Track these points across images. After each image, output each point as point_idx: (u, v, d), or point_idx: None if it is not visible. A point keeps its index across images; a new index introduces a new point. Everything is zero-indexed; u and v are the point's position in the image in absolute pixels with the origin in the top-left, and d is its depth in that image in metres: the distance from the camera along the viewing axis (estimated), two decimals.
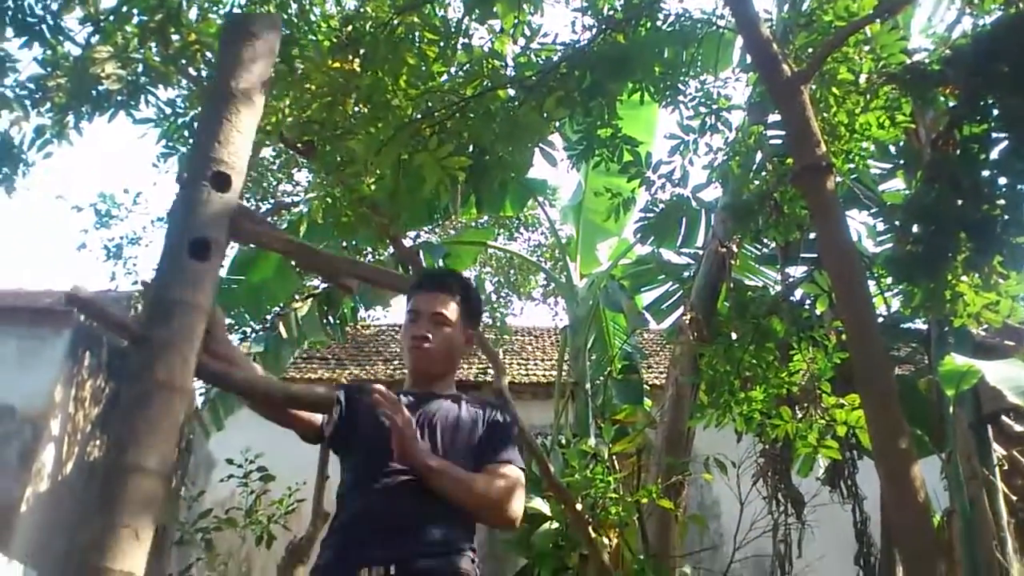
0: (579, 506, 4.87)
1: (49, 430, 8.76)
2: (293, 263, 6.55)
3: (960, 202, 3.72)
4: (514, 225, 11.27)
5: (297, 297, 7.74)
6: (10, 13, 4.51)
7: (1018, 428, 5.60)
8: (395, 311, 12.02)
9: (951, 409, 5.32)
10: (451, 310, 2.23)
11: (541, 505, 5.75)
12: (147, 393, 1.45)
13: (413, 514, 2.00)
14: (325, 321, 7.54)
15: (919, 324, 6.02)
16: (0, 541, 7.95)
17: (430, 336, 2.18)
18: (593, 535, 4.90)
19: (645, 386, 7.90)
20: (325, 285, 8.05)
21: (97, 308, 1.65)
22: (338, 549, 2.02)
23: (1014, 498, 5.47)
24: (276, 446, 7.77)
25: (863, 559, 6.00)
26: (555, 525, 5.64)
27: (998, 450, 5.41)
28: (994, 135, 3.70)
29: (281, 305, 7.70)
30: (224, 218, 1.65)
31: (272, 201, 11.02)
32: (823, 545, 6.31)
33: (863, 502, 6.04)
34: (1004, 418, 5.54)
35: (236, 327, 9.32)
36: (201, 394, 8.49)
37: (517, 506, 2.06)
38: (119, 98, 4.86)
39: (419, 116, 4.13)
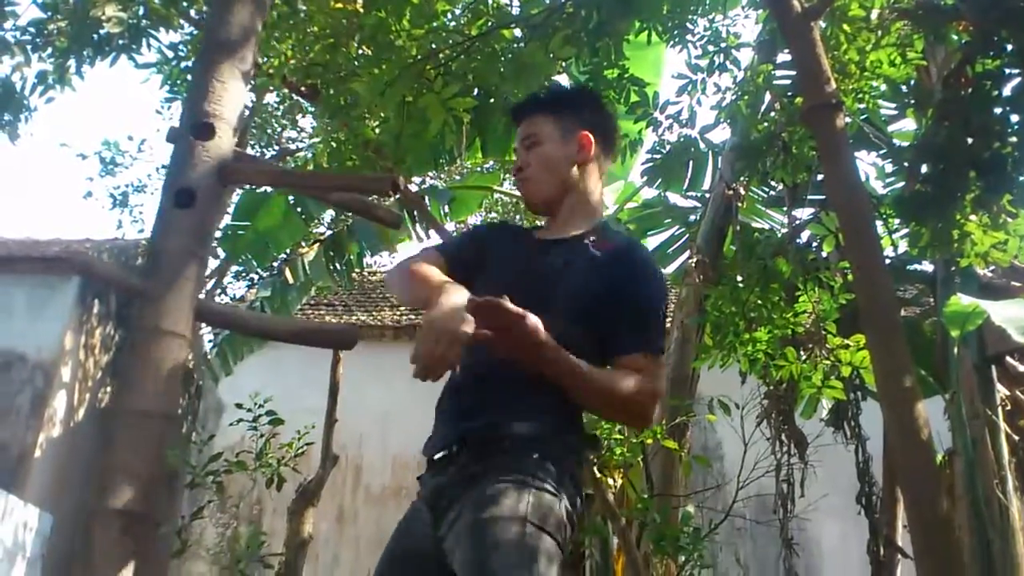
0: None
1: (60, 377, 8.86)
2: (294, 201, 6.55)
3: (970, 140, 3.68)
4: None
5: (304, 243, 7.75)
6: None
7: (1022, 368, 5.63)
8: (401, 257, 12.04)
9: (955, 350, 5.34)
10: (540, 124, 1.95)
11: None
12: (140, 340, 1.51)
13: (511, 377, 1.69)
14: (332, 267, 7.56)
15: (925, 266, 6.01)
16: (16, 485, 8.11)
17: (526, 164, 1.95)
18: (598, 475, 4.97)
19: None
20: (331, 231, 8.06)
21: (101, 271, 1.70)
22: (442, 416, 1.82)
23: (1016, 438, 5.52)
24: (285, 390, 7.90)
25: (865, 499, 6.08)
26: None
27: (1001, 390, 5.44)
28: (1007, 71, 3.65)
29: (288, 251, 7.71)
30: (211, 165, 1.68)
31: (277, 147, 10.99)
32: (825, 485, 6.39)
33: (866, 443, 6.09)
34: (1008, 359, 5.56)
35: (243, 273, 9.36)
36: (210, 340, 8.55)
37: (657, 405, 1.74)
38: (120, 42, 4.81)
39: (423, 57, 4.08)
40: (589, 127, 1.95)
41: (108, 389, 9.77)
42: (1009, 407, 5.49)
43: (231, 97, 1.77)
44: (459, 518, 1.61)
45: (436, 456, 1.78)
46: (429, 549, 1.66)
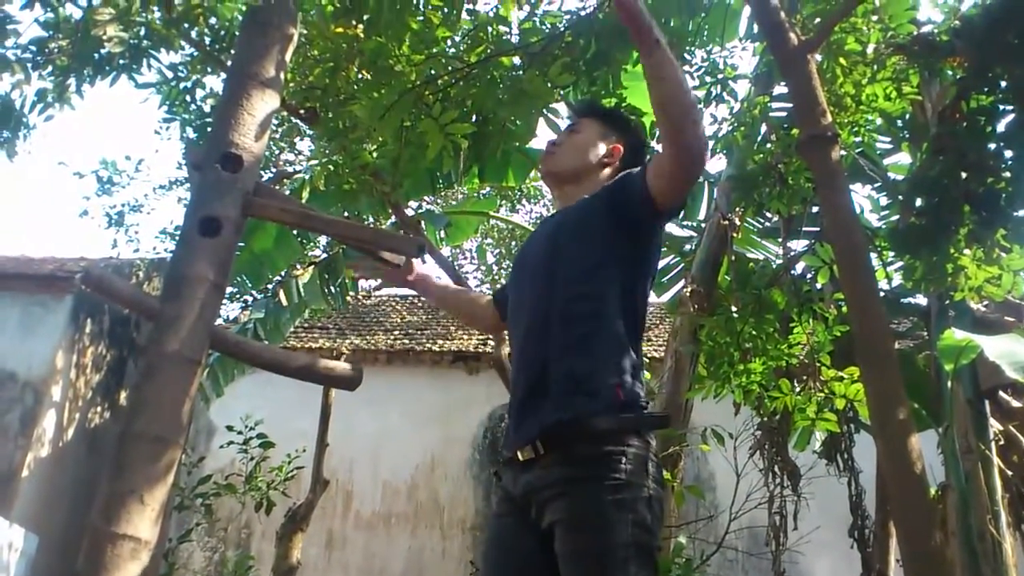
0: None
1: (50, 396, 8.81)
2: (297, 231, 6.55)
3: (965, 175, 3.71)
4: (516, 196, 11.25)
5: (298, 265, 7.75)
6: None
7: (1015, 403, 5.62)
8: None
9: (949, 384, 5.33)
10: (587, 123, 2.23)
11: None
12: (156, 365, 1.49)
13: (543, 356, 1.88)
14: (326, 290, 7.54)
15: (919, 299, 6.02)
16: (2, 505, 8.03)
17: (560, 141, 2.21)
18: None
19: (644, 359, 7.90)
20: (326, 254, 8.06)
21: (110, 287, 1.68)
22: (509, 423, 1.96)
23: (1009, 473, 5.50)
24: (276, 413, 7.87)
25: (857, 531, 6.04)
26: None
27: (995, 425, 5.43)
28: (1001, 107, 3.68)
29: (282, 272, 7.70)
30: (236, 196, 1.70)
31: (274, 170, 11.01)
32: (818, 517, 6.35)
33: (859, 475, 6.07)
34: (1002, 393, 5.55)
35: (237, 295, 9.34)
36: None
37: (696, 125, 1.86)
38: (121, 61, 4.83)
39: (422, 82, 4.10)
40: (624, 143, 2.19)
41: (99, 409, 9.70)
42: (1002, 442, 5.47)
43: (259, 130, 1.79)
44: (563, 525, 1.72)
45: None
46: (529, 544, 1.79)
